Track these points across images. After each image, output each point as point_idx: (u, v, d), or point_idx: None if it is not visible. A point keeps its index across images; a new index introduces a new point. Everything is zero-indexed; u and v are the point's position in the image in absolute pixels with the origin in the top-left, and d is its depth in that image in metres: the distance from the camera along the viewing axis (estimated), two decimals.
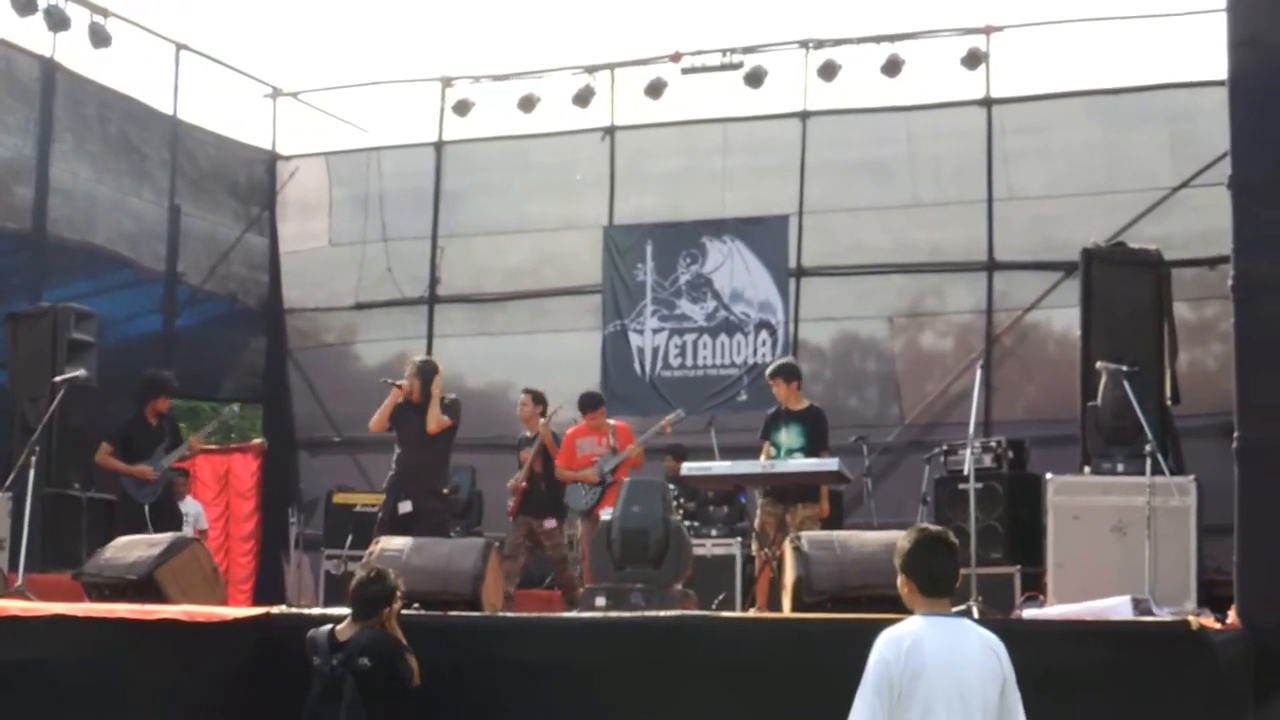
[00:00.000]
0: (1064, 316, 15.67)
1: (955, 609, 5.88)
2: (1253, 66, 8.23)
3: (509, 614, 9.66)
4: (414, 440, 12.70)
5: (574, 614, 9.51)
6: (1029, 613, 9.95)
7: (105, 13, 16.52)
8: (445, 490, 12.54)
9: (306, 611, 9.90)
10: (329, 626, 8.37)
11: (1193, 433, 12.63)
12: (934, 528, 5.90)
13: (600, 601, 9.62)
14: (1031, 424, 15.52)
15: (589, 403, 14.11)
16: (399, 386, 12.72)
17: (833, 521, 12.87)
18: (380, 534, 11.10)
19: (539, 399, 14.11)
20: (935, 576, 5.72)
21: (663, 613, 9.07)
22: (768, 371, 13.61)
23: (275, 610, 9.44)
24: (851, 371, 17.69)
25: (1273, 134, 8.19)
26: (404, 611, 8.55)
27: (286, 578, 16.70)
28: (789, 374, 13.20)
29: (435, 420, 12.56)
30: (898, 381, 17.20)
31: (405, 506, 12.16)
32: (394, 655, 8.24)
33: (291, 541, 16.72)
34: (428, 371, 12.78)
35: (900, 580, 5.78)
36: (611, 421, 14.10)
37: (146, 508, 13.41)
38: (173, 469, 13.89)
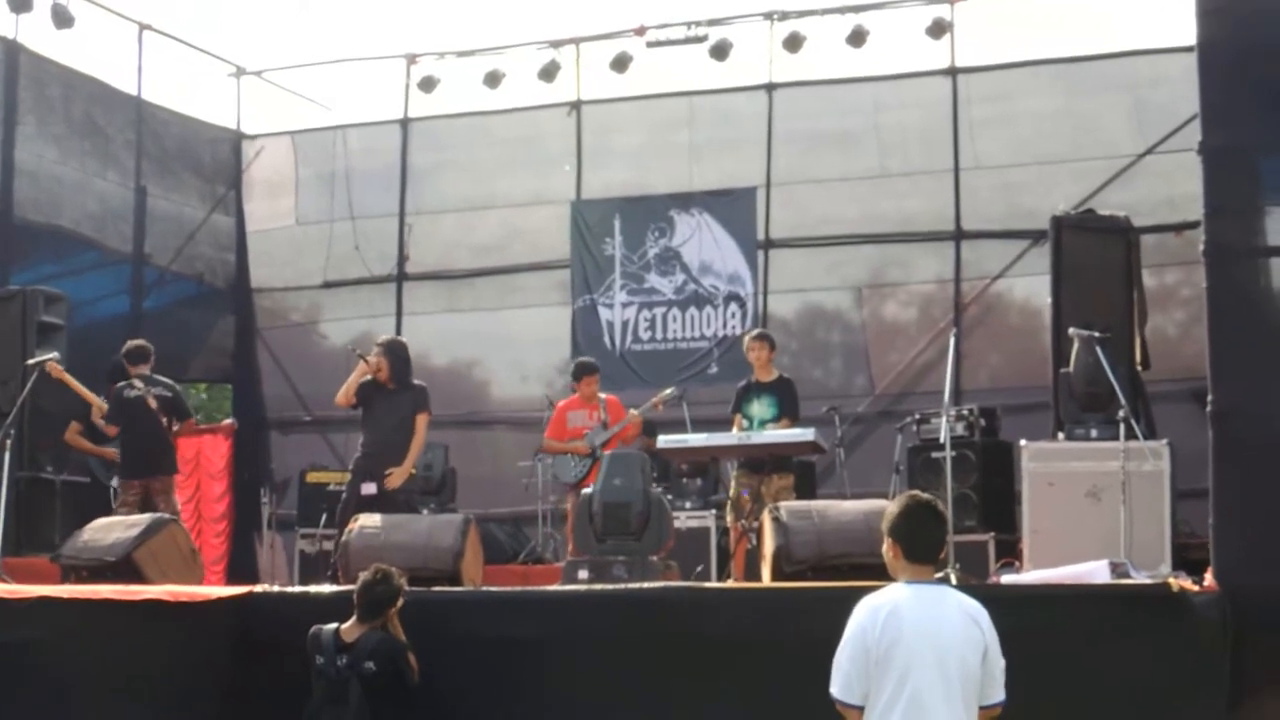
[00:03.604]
0: (1028, 284, 15.82)
1: (935, 576, 5.92)
2: (1221, 33, 8.31)
3: (491, 589, 9.68)
4: (383, 422, 12.28)
5: (557, 588, 9.55)
6: (1006, 579, 10.01)
7: None
8: (411, 471, 12.44)
9: (288, 590, 9.97)
10: (334, 626, 8.29)
11: (1156, 398, 12.68)
12: (924, 495, 5.96)
13: (583, 574, 9.71)
14: (997, 392, 15.59)
15: (582, 370, 13.99)
16: (366, 360, 12.31)
17: (804, 492, 12.95)
18: (344, 518, 11.06)
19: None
20: (919, 542, 5.75)
21: (645, 585, 9.12)
22: (753, 333, 13.65)
23: (258, 589, 9.45)
24: (817, 343, 17.72)
25: (1241, 100, 8.27)
26: None
27: (259, 558, 16.69)
28: (773, 341, 13.32)
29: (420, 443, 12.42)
30: (867, 352, 17.26)
31: (369, 489, 11.90)
32: (399, 659, 8.23)
33: (264, 521, 16.73)
34: (398, 352, 12.39)
35: (885, 545, 5.82)
36: (603, 395, 14.00)
37: (111, 488, 13.52)
38: None
